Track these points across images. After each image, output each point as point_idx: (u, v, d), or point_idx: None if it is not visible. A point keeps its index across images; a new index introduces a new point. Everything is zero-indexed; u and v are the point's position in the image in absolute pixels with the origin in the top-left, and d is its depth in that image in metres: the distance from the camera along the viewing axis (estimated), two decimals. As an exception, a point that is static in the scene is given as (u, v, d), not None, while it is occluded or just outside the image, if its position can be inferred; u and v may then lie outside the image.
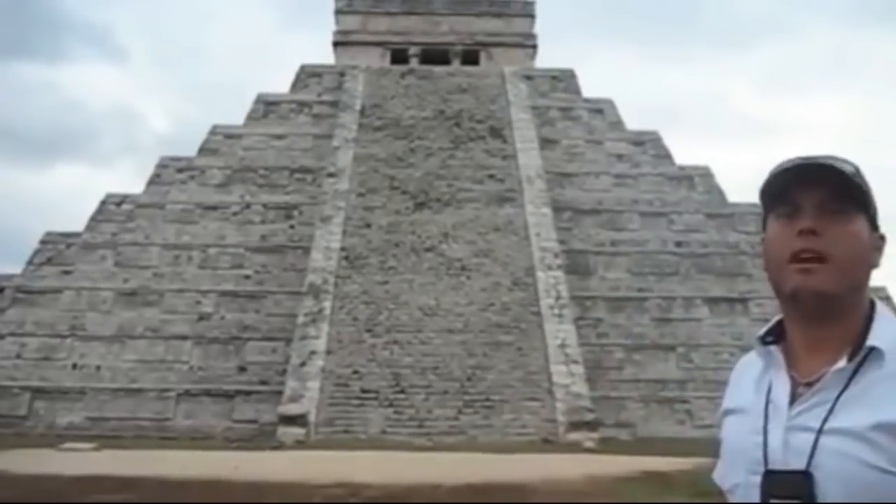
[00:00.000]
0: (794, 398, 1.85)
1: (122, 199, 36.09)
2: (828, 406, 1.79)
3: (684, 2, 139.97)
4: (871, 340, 1.81)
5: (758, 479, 1.82)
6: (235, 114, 40.47)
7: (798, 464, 1.77)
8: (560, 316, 30.42)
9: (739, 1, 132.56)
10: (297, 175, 37.26)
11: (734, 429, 1.96)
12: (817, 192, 1.86)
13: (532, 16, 47.67)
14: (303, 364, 28.58)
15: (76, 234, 34.84)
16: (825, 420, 1.78)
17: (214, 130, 39.23)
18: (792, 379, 1.88)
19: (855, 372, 1.80)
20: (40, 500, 14.93)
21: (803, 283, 1.83)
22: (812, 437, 1.78)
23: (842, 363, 1.81)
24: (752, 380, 1.97)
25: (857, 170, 1.90)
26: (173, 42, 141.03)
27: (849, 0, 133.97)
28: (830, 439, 1.76)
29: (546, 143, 38.71)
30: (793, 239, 1.86)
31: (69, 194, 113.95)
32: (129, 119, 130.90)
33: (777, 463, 1.80)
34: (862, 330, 1.84)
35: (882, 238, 1.92)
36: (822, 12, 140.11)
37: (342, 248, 33.19)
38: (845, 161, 1.90)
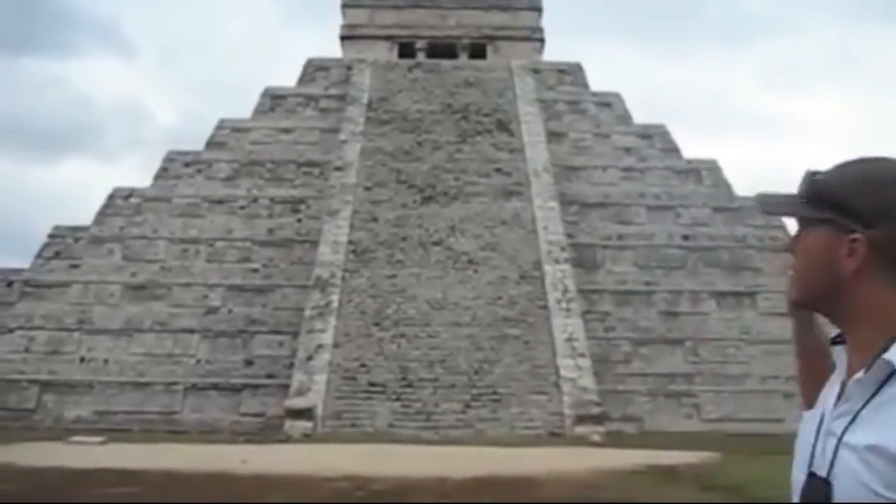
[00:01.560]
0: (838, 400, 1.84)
1: (129, 193, 36.14)
2: (850, 417, 1.77)
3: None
4: (889, 354, 1.75)
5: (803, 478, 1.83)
6: (242, 108, 40.52)
7: (823, 470, 1.77)
8: (567, 310, 30.41)
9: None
10: (305, 169, 37.27)
11: (803, 427, 1.96)
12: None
13: (539, 9, 47.59)
14: (310, 358, 28.61)
15: (84, 228, 34.90)
16: (844, 431, 1.76)
17: (221, 124, 39.26)
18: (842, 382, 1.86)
19: (881, 386, 1.77)
20: (48, 493, 14.98)
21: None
22: (835, 444, 1.77)
23: (860, 374, 1.79)
24: (832, 380, 1.97)
25: (824, 181, 1.87)
26: (180, 37, 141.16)
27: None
28: (845, 452, 1.74)
29: (553, 136, 38.65)
30: None
31: (77, 189, 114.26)
32: (136, 114, 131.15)
33: (815, 466, 1.80)
34: (888, 341, 1.79)
35: (854, 241, 1.81)
36: (824, 9, 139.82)
37: (349, 242, 33.20)
38: (815, 175, 1.90)
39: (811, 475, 1.79)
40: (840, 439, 1.75)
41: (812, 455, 1.81)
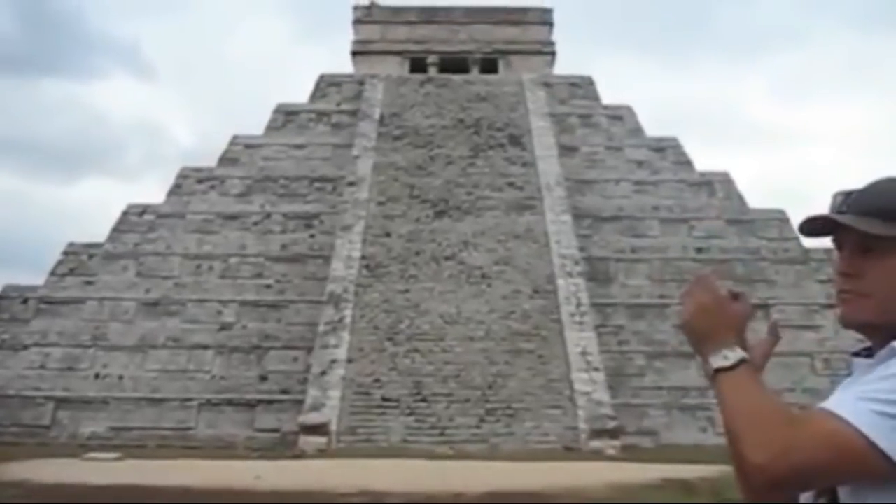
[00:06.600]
0: None
1: (143, 210, 36.29)
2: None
3: (698, 10, 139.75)
4: None
5: None
6: (258, 125, 40.65)
7: None
8: (581, 323, 30.35)
9: (754, 9, 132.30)
10: (317, 184, 37.36)
11: None
12: (853, 233, 1.85)
13: (550, 23, 47.61)
14: (324, 373, 28.62)
15: (98, 245, 35.05)
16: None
17: (234, 140, 39.39)
18: None
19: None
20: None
21: (841, 314, 1.90)
22: None
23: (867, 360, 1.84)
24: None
25: None
26: (197, 56, 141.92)
27: (863, 7, 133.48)
28: None
29: (565, 150, 38.65)
30: (838, 276, 1.90)
31: (97, 207, 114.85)
32: (154, 132, 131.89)
33: None
34: None
35: None
36: (834, 19, 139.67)
37: (363, 257, 33.23)
38: (886, 188, 1.84)
39: None
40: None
41: None
